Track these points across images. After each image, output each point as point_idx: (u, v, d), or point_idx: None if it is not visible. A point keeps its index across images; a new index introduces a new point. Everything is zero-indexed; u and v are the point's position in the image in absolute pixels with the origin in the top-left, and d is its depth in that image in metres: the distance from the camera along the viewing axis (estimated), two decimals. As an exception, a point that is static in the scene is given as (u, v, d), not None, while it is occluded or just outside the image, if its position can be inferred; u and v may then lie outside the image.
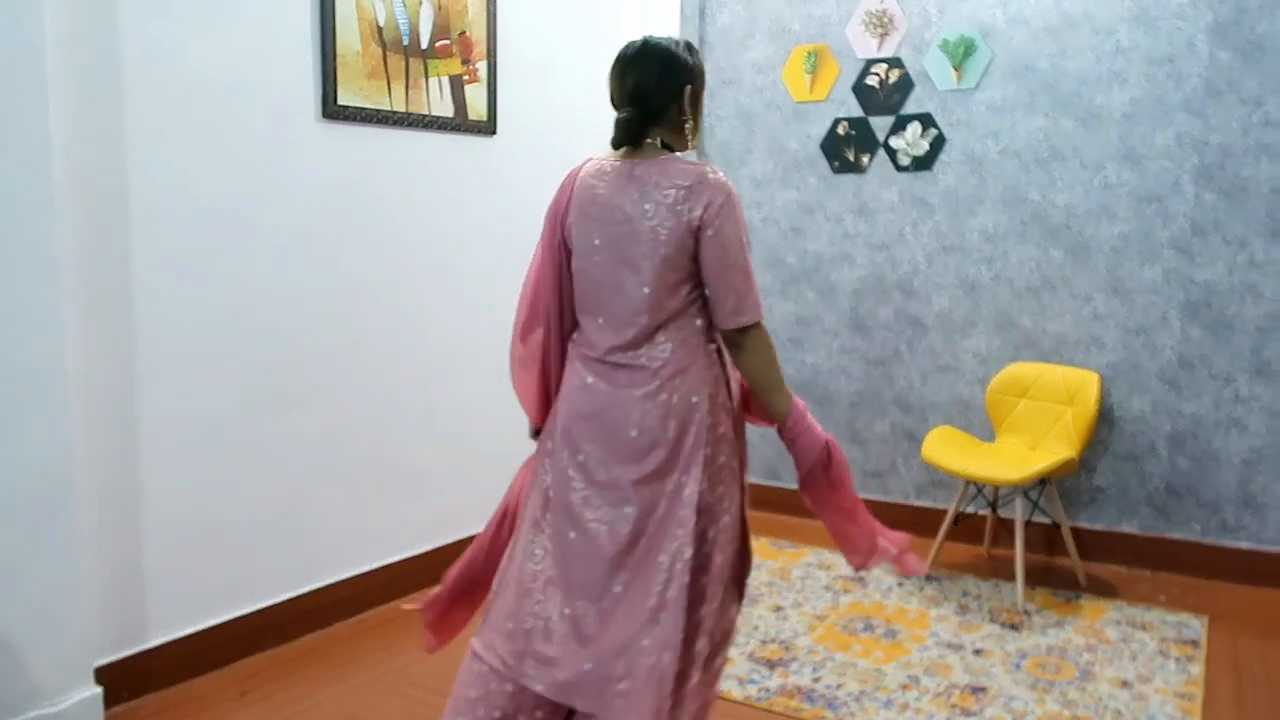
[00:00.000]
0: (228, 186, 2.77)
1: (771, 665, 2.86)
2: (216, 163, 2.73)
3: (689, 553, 1.91)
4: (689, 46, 2.02)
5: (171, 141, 2.62)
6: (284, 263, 2.94)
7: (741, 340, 1.97)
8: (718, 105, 4.36)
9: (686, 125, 1.99)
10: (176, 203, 2.65)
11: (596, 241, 1.97)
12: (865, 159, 4.05)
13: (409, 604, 2.27)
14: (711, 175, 1.91)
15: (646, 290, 1.93)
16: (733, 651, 2.91)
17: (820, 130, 4.13)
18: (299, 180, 2.96)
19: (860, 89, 4.03)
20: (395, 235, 3.28)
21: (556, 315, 2.08)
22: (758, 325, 1.97)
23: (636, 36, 2.05)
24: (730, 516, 2.00)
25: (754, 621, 3.15)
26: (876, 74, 3.99)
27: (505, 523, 2.21)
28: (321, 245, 3.04)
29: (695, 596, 1.92)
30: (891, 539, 2.15)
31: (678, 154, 2.01)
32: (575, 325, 2.09)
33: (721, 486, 1.99)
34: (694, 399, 1.96)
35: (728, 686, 2.71)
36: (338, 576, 3.16)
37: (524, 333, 2.14)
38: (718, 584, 1.97)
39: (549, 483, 2.05)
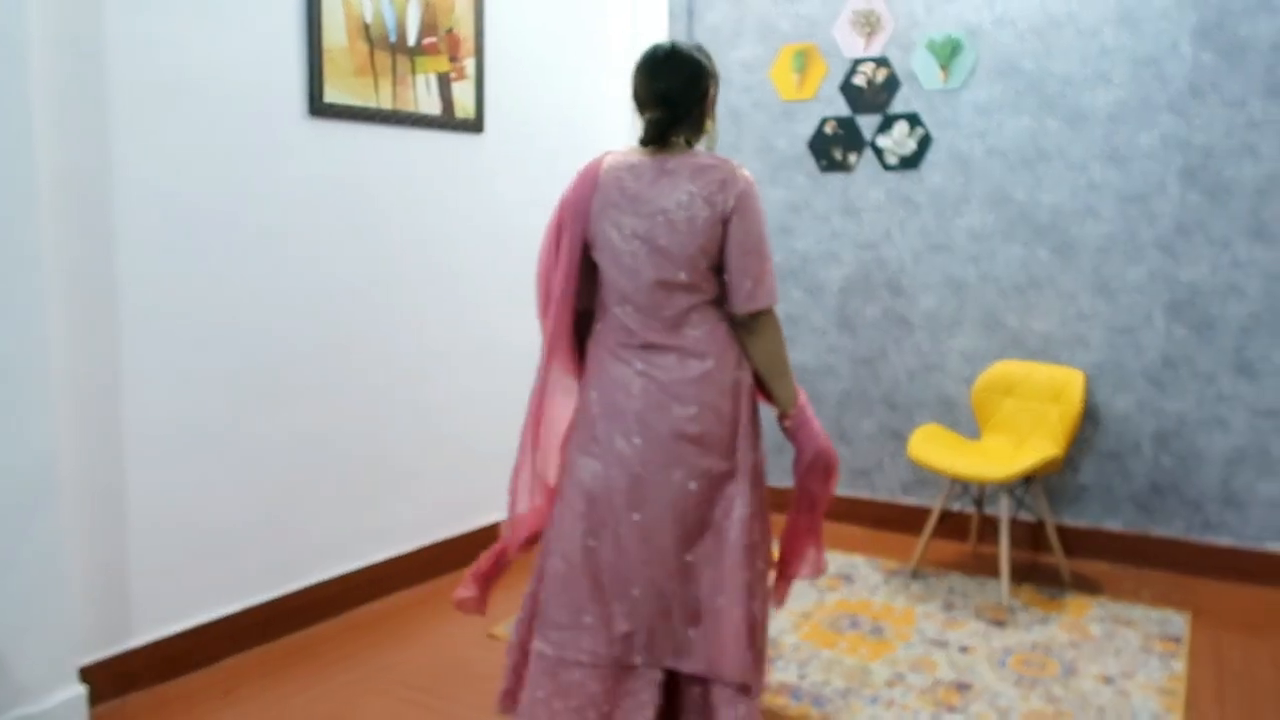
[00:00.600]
0: (213, 183, 2.75)
1: (758, 663, 2.87)
2: (202, 160, 2.72)
3: (748, 515, 2.10)
4: (705, 51, 2.18)
5: (156, 138, 2.61)
6: (270, 260, 2.93)
7: (754, 325, 2.12)
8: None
9: (707, 124, 2.17)
10: (161, 200, 2.63)
11: (627, 232, 2.09)
12: (852, 158, 4.06)
13: (464, 592, 2.35)
14: (738, 169, 2.10)
15: (682, 276, 2.07)
16: None
17: (808, 129, 4.14)
18: (285, 177, 2.95)
19: (848, 88, 4.04)
20: (382, 233, 3.27)
21: (570, 299, 2.19)
22: (770, 311, 2.12)
23: (662, 41, 2.22)
24: (762, 490, 2.19)
25: None
26: (864, 73, 4.01)
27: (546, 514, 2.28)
28: (308, 243, 3.04)
29: (752, 555, 2.12)
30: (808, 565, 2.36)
31: (698, 149, 2.17)
32: (587, 312, 2.22)
33: (758, 455, 2.18)
34: (739, 376, 2.14)
35: (714, 684, 2.72)
36: (324, 575, 3.15)
37: (542, 315, 2.26)
38: (763, 542, 2.18)
39: (599, 471, 2.14)
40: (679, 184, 2.07)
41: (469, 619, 3.15)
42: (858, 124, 4.03)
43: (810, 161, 4.14)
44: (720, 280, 2.12)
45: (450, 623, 3.14)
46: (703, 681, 2.15)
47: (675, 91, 2.09)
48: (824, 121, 4.10)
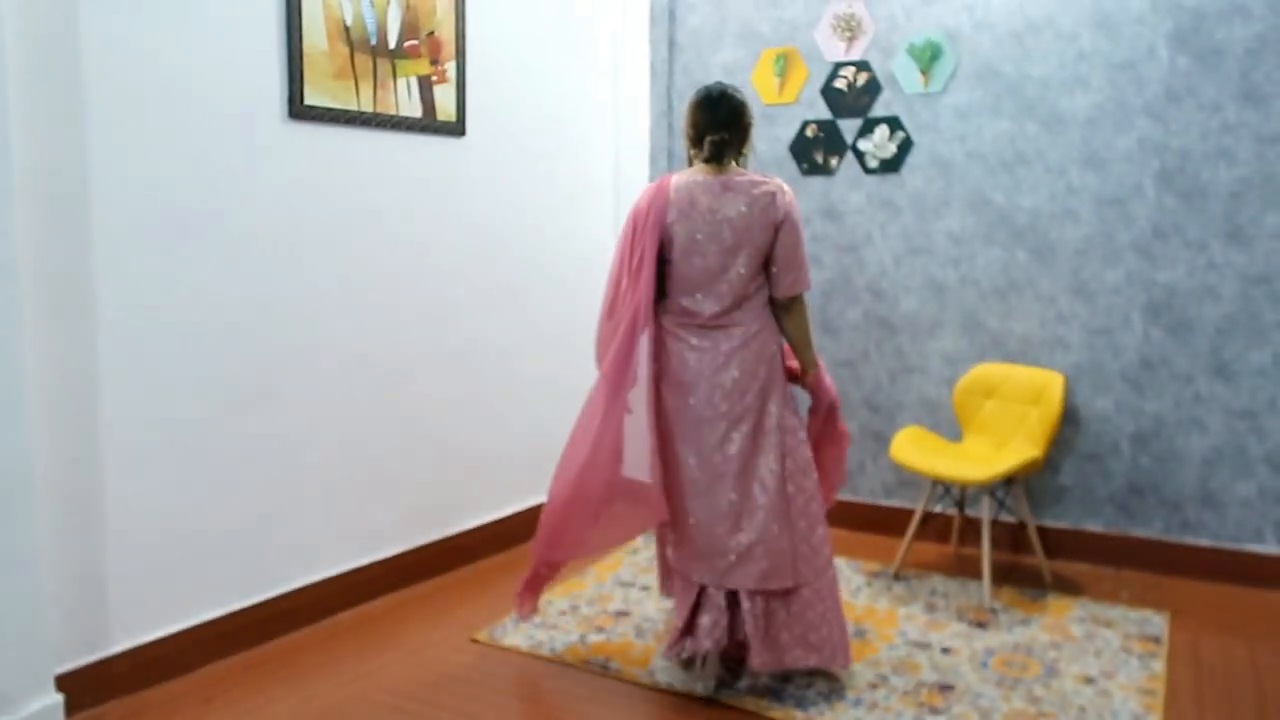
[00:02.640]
0: (191, 186, 2.73)
1: (741, 665, 2.86)
2: (179, 162, 2.70)
3: (776, 463, 2.67)
4: (742, 93, 2.76)
5: (132, 141, 2.59)
6: (249, 264, 2.91)
7: (791, 306, 2.74)
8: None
9: (746, 147, 2.76)
10: (138, 203, 2.61)
11: (699, 237, 2.65)
12: (834, 161, 4.07)
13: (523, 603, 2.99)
14: (784, 186, 2.70)
15: (742, 271, 2.66)
16: None
17: (789, 133, 4.15)
18: (264, 181, 2.93)
19: (829, 92, 4.06)
20: (362, 236, 3.26)
21: (652, 287, 2.70)
22: (802, 297, 2.75)
23: (712, 84, 2.80)
24: (797, 434, 2.74)
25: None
26: (845, 77, 4.02)
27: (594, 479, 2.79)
28: (287, 246, 3.02)
29: (785, 490, 2.68)
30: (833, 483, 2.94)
31: (747, 169, 2.75)
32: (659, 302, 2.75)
33: (788, 411, 2.73)
34: (773, 348, 2.73)
35: (697, 687, 2.71)
36: (305, 580, 3.13)
37: (610, 311, 2.81)
38: (803, 478, 2.72)
39: (655, 426, 2.72)
40: (739, 198, 2.65)
41: (451, 625, 3.15)
42: (839, 127, 4.05)
43: (791, 165, 4.16)
44: (764, 274, 2.70)
45: (432, 628, 3.13)
46: (754, 593, 2.67)
47: (730, 122, 2.68)
48: (805, 125, 4.12)
